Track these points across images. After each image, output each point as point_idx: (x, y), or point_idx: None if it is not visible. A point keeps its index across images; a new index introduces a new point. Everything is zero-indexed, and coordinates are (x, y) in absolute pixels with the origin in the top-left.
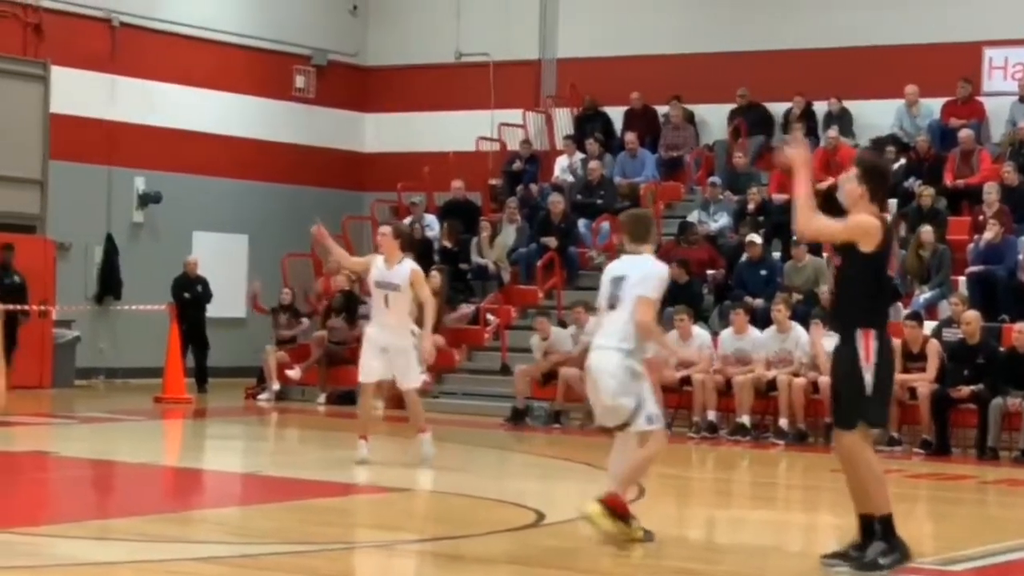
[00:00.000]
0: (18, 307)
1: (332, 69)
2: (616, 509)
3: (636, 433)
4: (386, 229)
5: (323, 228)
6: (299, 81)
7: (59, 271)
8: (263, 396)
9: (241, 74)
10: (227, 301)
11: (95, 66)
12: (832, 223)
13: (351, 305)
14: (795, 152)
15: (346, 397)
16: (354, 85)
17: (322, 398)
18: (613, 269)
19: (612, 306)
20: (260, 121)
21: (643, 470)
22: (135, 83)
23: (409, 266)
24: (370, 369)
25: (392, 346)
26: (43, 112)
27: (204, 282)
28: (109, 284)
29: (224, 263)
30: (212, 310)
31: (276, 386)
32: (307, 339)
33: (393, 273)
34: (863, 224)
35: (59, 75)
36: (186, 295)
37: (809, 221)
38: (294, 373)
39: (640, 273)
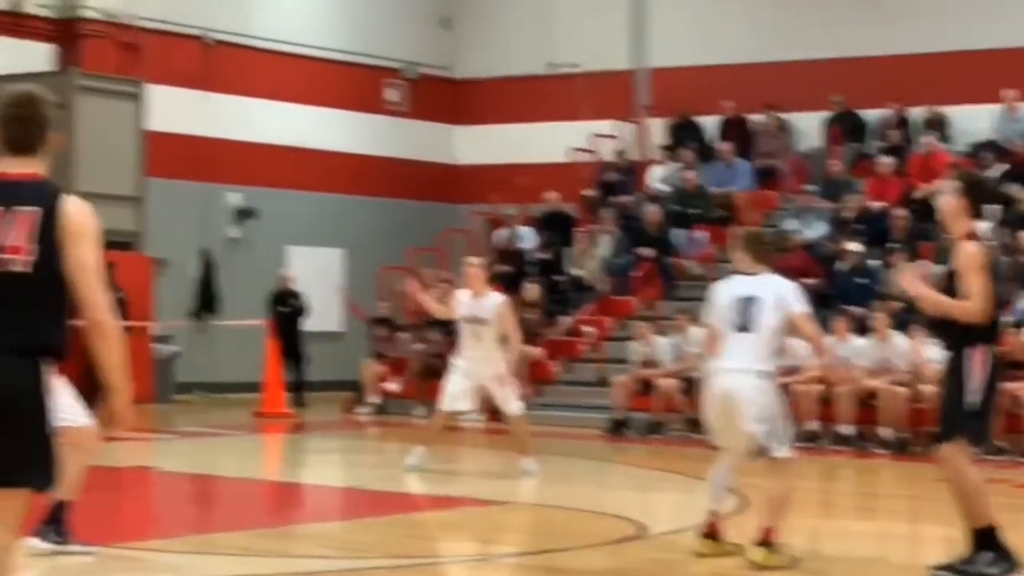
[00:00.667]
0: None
1: (424, 82)
2: (771, 541)
3: (769, 459)
4: (474, 260)
5: (415, 284)
6: (391, 94)
7: (157, 287)
8: (361, 409)
9: (334, 88)
10: (323, 315)
11: (189, 83)
12: (970, 301)
13: (449, 319)
14: (909, 284)
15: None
16: (446, 98)
17: (421, 411)
18: (737, 289)
19: (744, 328)
20: (353, 135)
21: (788, 499)
22: (229, 99)
23: (497, 299)
24: (453, 399)
25: (485, 378)
26: (139, 130)
27: (300, 296)
28: (206, 299)
29: (319, 277)
30: (308, 324)
31: (374, 399)
32: (405, 352)
33: (480, 306)
34: (977, 267)
35: (154, 93)
36: (282, 309)
37: (954, 310)
38: (392, 386)
39: (775, 295)
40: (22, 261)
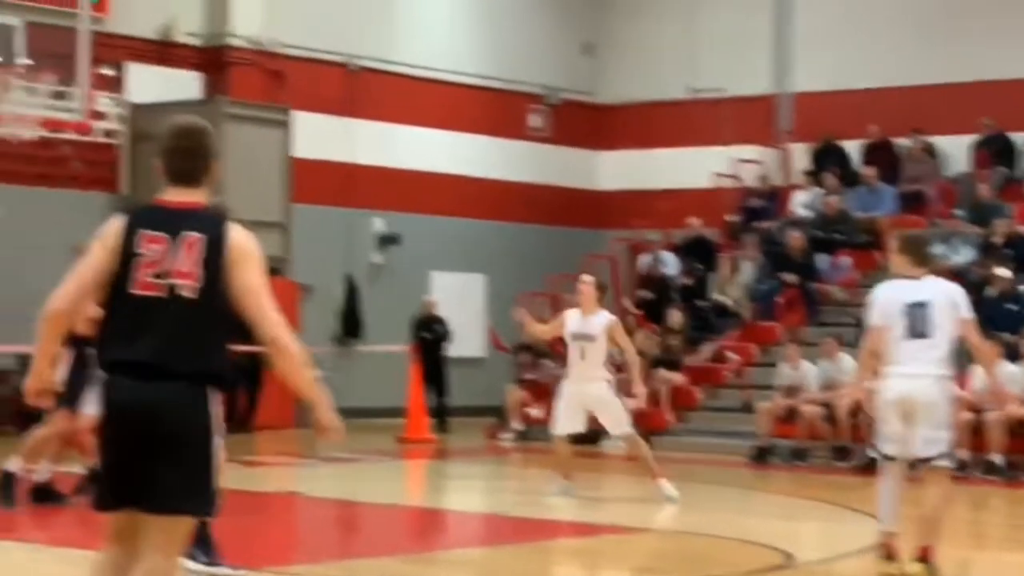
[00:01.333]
0: (262, 348)
1: (566, 107)
2: (930, 559)
3: (930, 469)
4: (587, 279)
5: (524, 311)
6: (534, 120)
7: (302, 312)
8: (504, 435)
9: (476, 114)
10: (466, 341)
11: (334, 110)
12: None
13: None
14: None
15: (588, 437)
16: (588, 123)
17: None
18: (905, 294)
19: (920, 334)
20: (496, 161)
21: (945, 512)
22: (373, 126)
23: (606, 317)
24: (563, 423)
25: (591, 400)
26: (284, 156)
27: (443, 322)
28: (350, 325)
29: (462, 303)
30: (451, 350)
31: (517, 425)
32: (548, 378)
33: (589, 324)
34: None
35: (300, 120)
36: (426, 335)
37: None
38: (535, 412)
39: (946, 297)
40: (190, 287)
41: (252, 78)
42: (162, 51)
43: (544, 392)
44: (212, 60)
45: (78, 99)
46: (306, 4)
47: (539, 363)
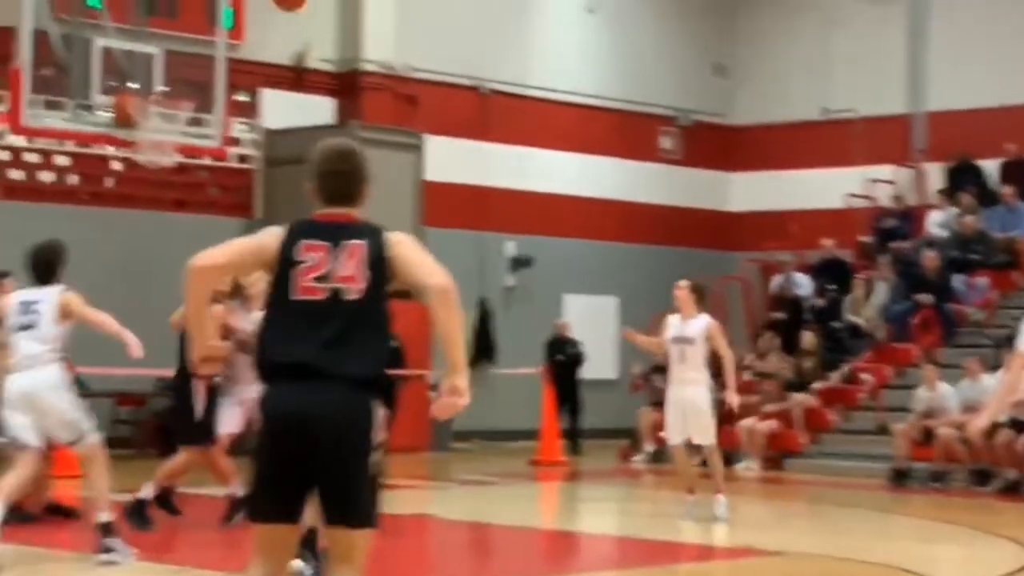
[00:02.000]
0: (396, 371)
1: (697, 129)
2: None
3: None
4: (684, 283)
5: (631, 330)
6: (665, 142)
7: (433, 336)
8: (637, 457)
9: (608, 136)
10: (598, 363)
11: (466, 133)
12: None
13: (719, 366)
14: None
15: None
16: (720, 145)
17: (695, 459)
18: None
19: None
20: (627, 183)
21: None
22: (504, 149)
23: (705, 320)
24: (675, 430)
25: (690, 405)
26: (417, 180)
27: (576, 344)
28: (483, 347)
29: (595, 325)
30: (584, 372)
31: (650, 447)
32: None
33: (688, 327)
34: None
35: (432, 143)
36: (559, 357)
37: None
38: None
39: None
40: (356, 289)
41: (384, 102)
42: (296, 77)
43: None
44: (345, 85)
45: (214, 125)
46: (438, 29)
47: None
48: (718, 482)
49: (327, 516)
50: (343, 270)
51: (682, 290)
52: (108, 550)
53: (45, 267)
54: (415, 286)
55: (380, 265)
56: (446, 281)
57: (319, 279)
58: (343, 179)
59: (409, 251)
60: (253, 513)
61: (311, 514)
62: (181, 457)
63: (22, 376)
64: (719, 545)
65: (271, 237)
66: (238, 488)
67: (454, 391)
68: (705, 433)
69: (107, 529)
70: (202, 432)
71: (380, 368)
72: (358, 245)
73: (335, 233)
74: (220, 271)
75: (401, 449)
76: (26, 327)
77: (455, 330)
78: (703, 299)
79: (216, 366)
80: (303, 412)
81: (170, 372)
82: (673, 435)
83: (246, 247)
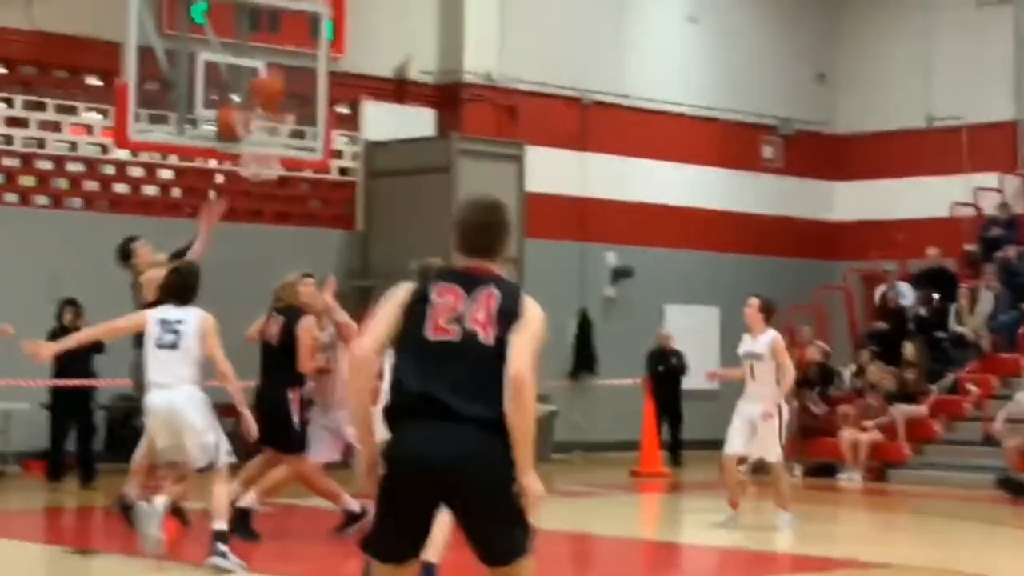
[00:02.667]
0: None
1: (800, 138)
2: None
3: None
4: (753, 301)
5: (716, 372)
6: (767, 151)
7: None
8: (739, 469)
9: (709, 146)
10: (700, 374)
11: (566, 144)
12: None
13: (826, 377)
14: None
15: (823, 469)
16: (823, 153)
17: (798, 470)
18: None
19: None
20: (729, 193)
21: None
22: (605, 159)
23: (771, 335)
24: (733, 442)
25: (759, 420)
26: (519, 191)
27: (679, 355)
28: (584, 359)
29: (696, 336)
30: (685, 383)
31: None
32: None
33: (757, 343)
34: None
35: (532, 154)
36: (660, 368)
37: None
38: None
39: None
40: (486, 335)
41: (485, 114)
42: (397, 89)
43: None
44: (446, 97)
45: (316, 138)
46: (539, 40)
47: None
48: (783, 498)
49: (485, 557)
50: (476, 314)
51: (751, 308)
52: (221, 555)
53: (185, 288)
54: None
55: (511, 315)
56: (522, 371)
57: (452, 320)
58: (485, 232)
59: (528, 325)
60: (376, 553)
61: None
62: (283, 470)
63: (161, 394)
64: (822, 556)
65: (403, 294)
66: (351, 503)
67: (526, 492)
68: (771, 451)
69: (222, 537)
70: (301, 441)
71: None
72: (492, 292)
73: (471, 280)
74: (377, 355)
75: None
76: (167, 346)
77: (522, 428)
78: (771, 315)
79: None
80: (437, 457)
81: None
82: (730, 446)
83: (389, 314)
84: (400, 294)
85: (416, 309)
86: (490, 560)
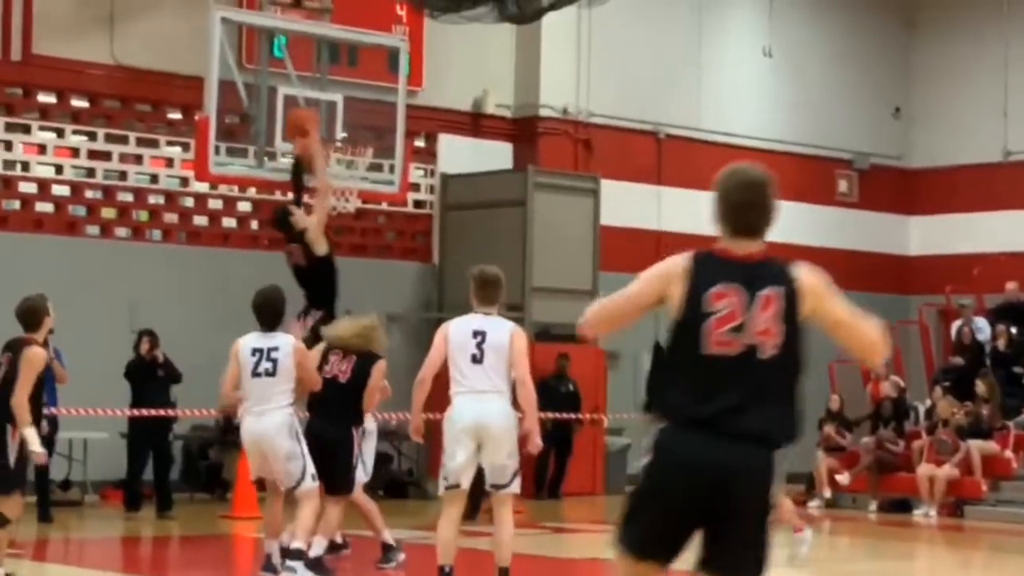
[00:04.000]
0: (572, 415)
1: (875, 172)
2: None
3: None
4: None
5: None
6: (842, 185)
7: (610, 380)
8: (812, 503)
9: (784, 180)
10: None
11: (642, 178)
12: None
13: (900, 413)
14: None
15: (899, 505)
16: (898, 188)
17: (873, 506)
18: None
19: None
20: (802, 227)
21: None
22: (680, 193)
23: None
24: None
25: None
26: (594, 224)
27: None
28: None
29: None
30: None
31: (826, 493)
32: (856, 445)
33: None
34: None
35: (608, 188)
36: None
37: None
38: (843, 479)
39: None
40: (770, 344)
41: (561, 147)
42: (473, 122)
43: (852, 460)
44: (522, 130)
45: (394, 171)
46: (615, 74)
47: (847, 432)
48: (794, 520)
49: (719, 566)
50: (758, 322)
51: None
52: (291, 571)
53: (273, 313)
54: (841, 340)
55: (795, 315)
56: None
57: (733, 331)
58: (753, 209)
59: (829, 306)
60: (634, 547)
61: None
62: (339, 509)
63: (256, 420)
64: None
65: (662, 280)
66: (389, 535)
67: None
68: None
69: (296, 555)
70: (353, 481)
71: (788, 427)
72: (773, 295)
73: (747, 276)
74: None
75: (576, 493)
76: (265, 373)
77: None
78: None
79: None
80: (715, 466)
81: None
82: None
83: (632, 299)
84: (672, 274)
85: (690, 316)
86: (734, 570)
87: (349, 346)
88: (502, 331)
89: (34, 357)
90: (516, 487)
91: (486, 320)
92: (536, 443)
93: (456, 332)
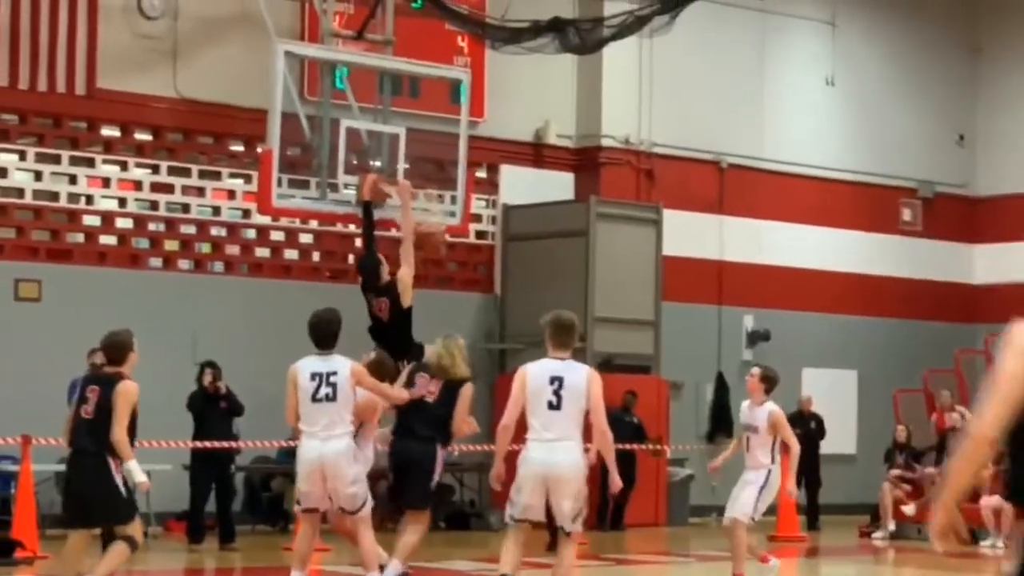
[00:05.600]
0: (635, 446)
1: (939, 200)
2: None
3: None
4: (755, 371)
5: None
6: (906, 214)
7: (672, 410)
8: (877, 534)
9: (847, 209)
10: (838, 437)
11: (704, 207)
12: None
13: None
14: None
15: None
16: (962, 216)
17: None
18: None
19: None
20: (866, 256)
21: None
22: (742, 222)
23: (769, 409)
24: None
25: (744, 482)
26: (656, 254)
27: (819, 419)
28: (720, 422)
29: (834, 399)
30: (824, 447)
31: (891, 524)
32: (921, 475)
33: (754, 415)
34: None
35: (670, 218)
36: (799, 432)
37: None
38: (909, 510)
39: None
40: None
41: (623, 177)
42: (535, 153)
43: (917, 491)
44: (584, 161)
45: (456, 202)
46: (676, 103)
47: (914, 463)
48: (738, 560)
49: None
50: None
51: (753, 378)
52: None
53: (328, 334)
54: None
55: None
56: None
57: None
58: None
59: None
60: None
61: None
62: (419, 531)
63: (321, 445)
64: None
65: None
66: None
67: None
68: (738, 504)
69: None
70: (429, 496)
71: None
72: None
73: None
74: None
75: (639, 524)
76: (325, 399)
77: None
78: (773, 387)
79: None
80: None
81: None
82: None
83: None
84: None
85: None
86: None
87: (434, 369)
88: (579, 376)
89: (128, 391)
90: (579, 527)
91: (562, 365)
92: (616, 483)
93: (533, 378)
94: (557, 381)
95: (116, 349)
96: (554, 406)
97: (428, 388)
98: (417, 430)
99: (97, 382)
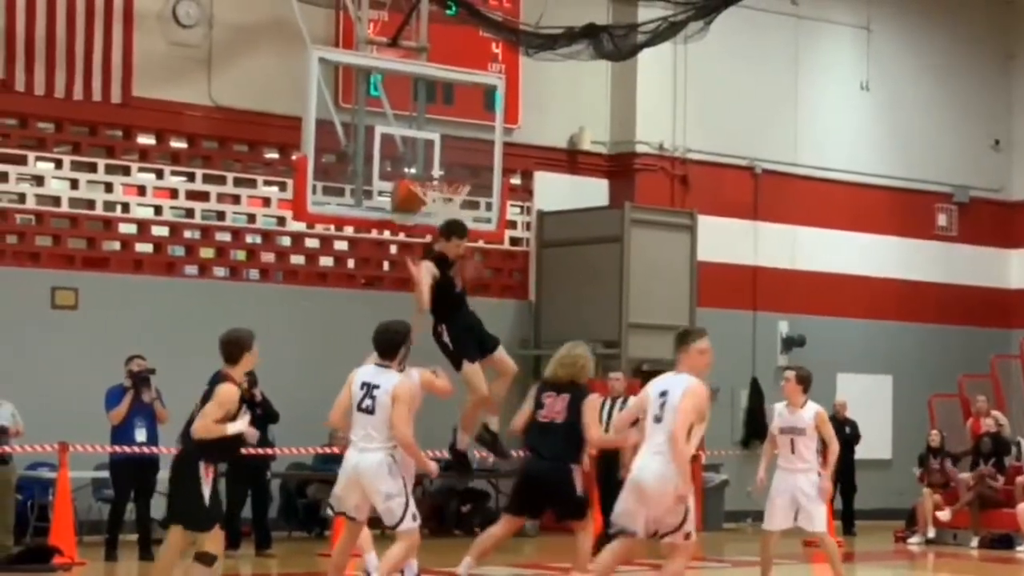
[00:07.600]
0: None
1: (975, 205)
2: None
3: None
4: (790, 374)
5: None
6: (941, 219)
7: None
8: (913, 539)
9: (882, 215)
10: (872, 443)
11: (738, 213)
12: None
13: (1000, 449)
14: None
15: (1001, 541)
16: (998, 221)
17: (974, 542)
18: None
19: None
20: (901, 261)
21: None
22: (777, 228)
23: (813, 409)
24: (773, 519)
25: (802, 493)
26: (691, 260)
27: (853, 424)
28: (755, 428)
29: (869, 404)
30: (859, 452)
31: (931, 531)
32: (957, 481)
33: (797, 418)
34: None
35: (705, 223)
36: None
37: None
38: (944, 515)
39: None
40: None
41: (657, 183)
42: (569, 159)
43: (953, 496)
44: (618, 167)
45: (491, 208)
46: (710, 110)
47: (947, 466)
48: (837, 569)
49: None
50: None
51: (789, 381)
52: None
53: (387, 343)
54: None
55: None
56: None
57: None
58: None
59: None
60: None
61: None
62: (587, 538)
63: (359, 456)
64: None
65: None
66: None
67: None
68: (815, 520)
69: None
70: (583, 503)
71: None
72: None
73: None
74: None
75: None
76: (366, 411)
77: None
78: (809, 388)
79: None
80: None
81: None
82: (772, 523)
83: None
84: None
85: None
86: None
87: (558, 378)
88: (678, 388)
89: (224, 394)
90: (678, 538)
91: (674, 379)
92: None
93: (649, 391)
94: (664, 395)
95: (231, 346)
96: (659, 419)
97: (554, 409)
98: (548, 451)
99: (211, 382)
